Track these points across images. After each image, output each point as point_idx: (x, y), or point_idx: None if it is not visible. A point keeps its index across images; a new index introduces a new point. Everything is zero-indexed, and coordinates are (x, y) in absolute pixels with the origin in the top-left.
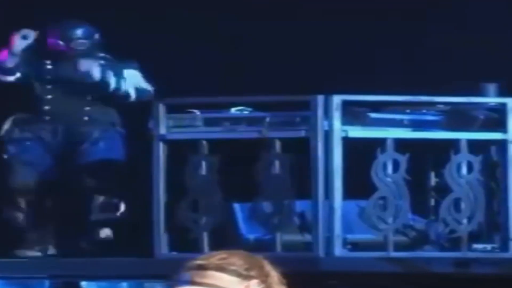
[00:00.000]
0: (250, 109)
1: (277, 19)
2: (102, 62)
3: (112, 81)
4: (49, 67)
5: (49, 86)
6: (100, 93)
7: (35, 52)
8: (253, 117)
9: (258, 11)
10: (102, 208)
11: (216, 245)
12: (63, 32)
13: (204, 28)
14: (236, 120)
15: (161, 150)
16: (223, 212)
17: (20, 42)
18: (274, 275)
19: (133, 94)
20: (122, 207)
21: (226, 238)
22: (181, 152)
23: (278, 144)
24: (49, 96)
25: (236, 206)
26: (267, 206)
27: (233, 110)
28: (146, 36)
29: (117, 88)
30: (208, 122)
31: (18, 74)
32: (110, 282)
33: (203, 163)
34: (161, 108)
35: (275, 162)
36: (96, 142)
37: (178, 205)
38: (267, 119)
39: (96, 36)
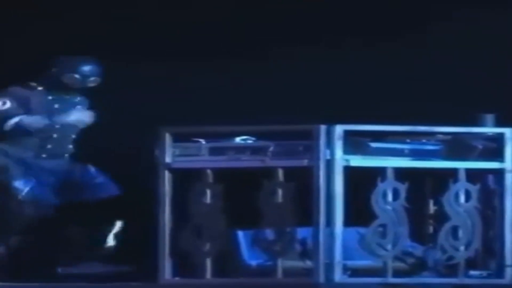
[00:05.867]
0: (254, 138)
1: (280, 49)
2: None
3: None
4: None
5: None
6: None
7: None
8: (257, 146)
9: (261, 40)
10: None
11: (219, 271)
12: (78, 67)
13: (209, 58)
14: (240, 149)
15: (167, 178)
16: (226, 239)
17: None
18: None
19: None
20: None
21: (228, 264)
22: (186, 180)
23: (280, 173)
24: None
25: (239, 233)
26: (269, 233)
27: (237, 139)
28: (152, 65)
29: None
30: (213, 151)
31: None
32: None
33: (208, 191)
34: (167, 137)
35: (278, 190)
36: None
37: (182, 231)
38: (271, 148)
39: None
